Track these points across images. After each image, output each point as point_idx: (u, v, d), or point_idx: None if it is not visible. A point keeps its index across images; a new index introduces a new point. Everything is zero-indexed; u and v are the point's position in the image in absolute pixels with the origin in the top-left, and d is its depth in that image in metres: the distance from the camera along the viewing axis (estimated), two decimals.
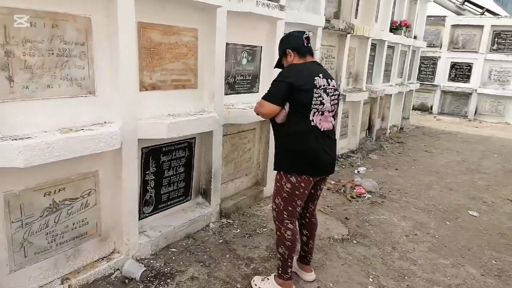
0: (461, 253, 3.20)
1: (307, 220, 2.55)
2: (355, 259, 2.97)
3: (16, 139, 1.86)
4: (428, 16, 10.15)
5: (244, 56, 3.58)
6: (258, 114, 2.38)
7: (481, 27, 11.18)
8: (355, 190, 4.37)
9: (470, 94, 11.42)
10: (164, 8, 2.64)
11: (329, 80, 2.27)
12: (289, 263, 2.37)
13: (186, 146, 3.10)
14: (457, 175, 5.52)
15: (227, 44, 3.19)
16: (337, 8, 5.43)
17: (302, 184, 2.25)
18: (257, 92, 3.80)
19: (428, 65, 12.03)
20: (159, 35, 2.66)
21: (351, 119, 6.33)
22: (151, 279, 2.51)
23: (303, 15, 4.14)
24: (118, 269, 2.53)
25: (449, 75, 11.77)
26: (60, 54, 2.07)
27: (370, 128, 7.19)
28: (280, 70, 2.36)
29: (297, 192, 2.26)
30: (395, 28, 7.22)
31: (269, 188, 3.90)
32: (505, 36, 10.99)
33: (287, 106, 2.21)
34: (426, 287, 2.68)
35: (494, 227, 3.77)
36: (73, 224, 2.34)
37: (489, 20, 11.31)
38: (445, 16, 11.88)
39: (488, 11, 12.53)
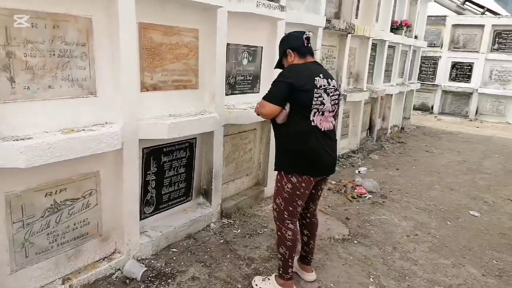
0: (462, 253, 3.20)
1: (307, 220, 2.55)
2: (356, 259, 2.97)
3: (17, 140, 1.86)
4: (429, 16, 10.14)
5: (245, 56, 3.58)
6: (258, 114, 2.38)
7: (482, 26, 11.16)
8: (356, 190, 4.37)
9: (471, 94, 11.41)
10: (164, 9, 2.65)
11: (329, 80, 2.27)
12: (290, 263, 2.37)
13: (187, 146, 3.11)
14: (458, 175, 5.51)
15: (228, 44, 3.19)
16: (338, 8, 5.43)
17: (303, 184, 2.25)
18: (258, 92, 3.81)
19: (429, 65, 12.02)
20: (160, 36, 2.67)
21: (352, 119, 6.33)
22: (152, 279, 2.51)
23: (303, 15, 4.14)
24: (119, 269, 2.54)
25: (450, 75, 11.76)
26: (61, 55, 2.08)
27: (370, 128, 7.19)
28: (280, 70, 2.36)
29: (297, 192, 2.26)
30: (395, 28, 7.22)
31: (270, 188, 3.90)
32: (506, 35, 10.98)
33: (287, 107, 2.22)
34: (427, 287, 2.68)
35: (495, 227, 3.77)
36: (74, 225, 2.34)
37: (490, 19, 11.30)
38: (445, 16, 11.88)
39: (489, 10, 12.51)
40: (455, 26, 11.58)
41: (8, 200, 1.98)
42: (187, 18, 2.83)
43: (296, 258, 2.63)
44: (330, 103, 2.25)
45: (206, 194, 3.36)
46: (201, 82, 3.07)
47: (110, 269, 2.51)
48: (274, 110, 2.22)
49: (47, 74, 2.03)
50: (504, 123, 10.94)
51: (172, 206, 3.13)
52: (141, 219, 2.79)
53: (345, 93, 5.42)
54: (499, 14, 12.25)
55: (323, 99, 2.20)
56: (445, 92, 11.86)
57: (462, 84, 11.54)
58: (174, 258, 2.78)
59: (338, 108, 2.38)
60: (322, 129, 2.24)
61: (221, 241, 3.08)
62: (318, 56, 4.75)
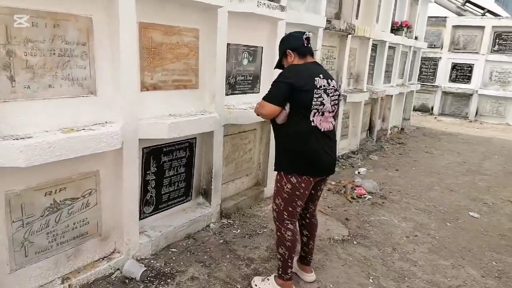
0: (461, 254, 3.20)
1: (307, 220, 2.55)
2: (356, 260, 2.97)
3: (17, 139, 1.86)
4: (429, 17, 10.14)
5: (245, 56, 3.58)
6: (258, 114, 2.38)
7: (482, 28, 11.17)
8: (355, 191, 4.36)
9: (471, 95, 11.42)
10: (165, 8, 2.65)
11: (329, 80, 2.27)
12: (289, 264, 2.37)
13: (187, 146, 3.11)
14: (458, 176, 5.51)
15: (228, 44, 3.19)
16: (338, 9, 5.43)
17: (303, 185, 2.25)
18: (258, 92, 3.81)
19: (429, 66, 12.02)
20: (160, 35, 2.67)
21: (352, 120, 6.33)
22: (151, 279, 2.51)
23: (304, 16, 4.14)
24: (118, 269, 2.54)
25: (450, 76, 11.77)
26: (61, 54, 2.08)
27: (370, 129, 7.19)
28: (280, 70, 2.36)
29: (297, 192, 2.26)
30: (396, 29, 7.23)
31: (270, 188, 3.90)
32: (506, 37, 10.99)
33: (287, 107, 2.21)
34: None
35: (494, 229, 3.77)
36: (74, 224, 2.34)
37: (490, 21, 11.30)
38: (446, 17, 11.88)
39: (489, 12, 12.52)
40: (456, 27, 11.59)
41: (8, 199, 1.98)
42: (187, 18, 2.83)
43: (295, 258, 2.63)
44: (330, 103, 2.25)
45: (206, 194, 3.36)
46: (201, 82, 3.07)
47: (110, 268, 2.50)
48: (274, 111, 2.22)
49: (47, 73, 2.03)
50: (504, 125, 10.95)
51: (171, 206, 3.13)
52: (140, 218, 2.79)
53: (345, 94, 5.42)
54: (499, 16, 12.26)
55: (323, 99, 2.20)
56: (445, 93, 11.86)
57: (462, 85, 11.54)
58: (174, 258, 2.78)
59: (338, 108, 2.38)
60: (322, 130, 2.24)
61: (221, 241, 3.08)
62: (318, 57, 4.75)
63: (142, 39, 2.54)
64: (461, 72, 11.60)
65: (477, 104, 11.42)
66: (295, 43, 2.32)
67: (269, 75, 3.68)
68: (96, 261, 2.50)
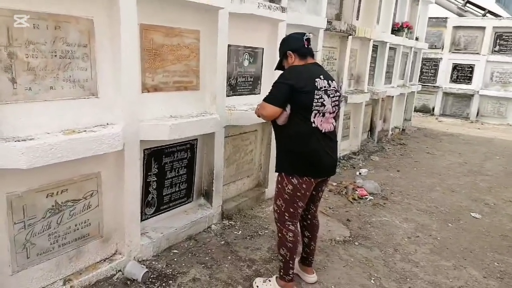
0: (463, 255, 3.19)
1: (308, 221, 2.55)
2: (357, 261, 2.96)
3: (19, 141, 1.87)
4: (430, 18, 10.14)
5: (246, 57, 3.58)
6: (259, 116, 2.38)
7: (482, 28, 11.16)
8: (356, 192, 4.36)
9: (472, 95, 11.41)
10: (166, 10, 2.65)
11: (329, 81, 2.27)
12: (290, 265, 2.37)
13: (188, 147, 3.11)
14: (459, 177, 5.51)
15: (229, 45, 3.20)
16: (339, 10, 5.43)
17: (304, 186, 2.25)
18: (259, 93, 3.81)
19: (430, 66, 12.02)
20: (161, 37, 2.67)
21: (353, 121, 6.32)
22: (153, 280, 2.51)
23: (304, 17, 4.14)
24: (120, 271, 2.54)
25: (451, 77, 11.76)
26: (62, 56, 2.08)
27: (371, 129, 7.19)
28: (281, 71, 2.37)
29: (298, 193, 2.26)
30: (396, 29, 7.22)
31: (271, 189, 3.90)
32: (507, 37, 10.97)
33: (288, 108, 2.22)
34: None
35: (496, 229, 3.76)
36: (76, 226, 2.34)
37: (491, 21, 11.29)
38: (446, 18, 11.87)
39: (490, 12, 12.51)
40: (456, 28, 11.58)
41: (9, 201, 1.98)
42: (188, 20, 2.84)
43: (297, 259, 2.63)
44: (331, 104, 2.25)
45: (207, 195, 3.36)
46: (202, 83, 3.08)
47: (111, 270, 2.51)
48: (275, 112, 2.22)
49: (48, 75, 2.04)
50: (505, 125, 10.93)
51: (173, 207, 3.13)
52: (142, 220, 2.79)
53: (346, 95, 5.42)
54: (500, 16, 12.25)
55: (324, 100, 2.20)
56: (446, 93, 11.85)
57: (463, 86, 11.53)
58: (175, 259, 2.78)
59: (338, 109, 2.38)
60: (323, 131, 2.24)
61: (222, 242, 3.08)
62: (319, 58, 4.75)
63: (143, 41, 2.54)
64: (462, 73, 11.59)
65: (478, 105, 11.41)
66: (296, 44, 2.33)
67: (270, 76, 3.69)
68: (98, 262, 2.50)
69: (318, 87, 2.19)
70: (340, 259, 2.96)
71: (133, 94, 2.41)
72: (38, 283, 2.19)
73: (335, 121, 2.36)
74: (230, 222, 3.42)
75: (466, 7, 12.69)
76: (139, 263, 2.61)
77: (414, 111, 10.32)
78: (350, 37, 5.37)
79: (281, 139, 2.33)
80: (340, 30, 4.95)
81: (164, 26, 2.67)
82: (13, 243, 2.05)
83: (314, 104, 2.17)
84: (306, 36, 2.32)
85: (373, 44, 6.24)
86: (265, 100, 2.24)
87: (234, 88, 3.53)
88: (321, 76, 2.23)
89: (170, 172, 3.00)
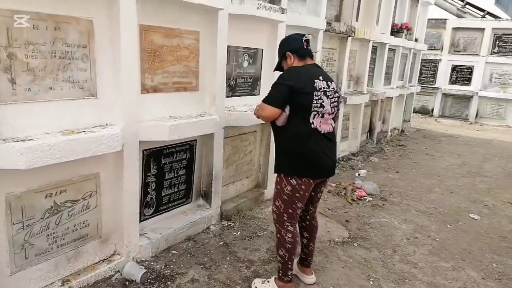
0: (462, 256, 3.19)
1: (307, 222, 2.55)
2: (356, 262, 2.96)
3: (18, 141, 1.86)
4: (429, 19, 10.16)
5: (245, 58, 3.59)
6: (258, 117, 2.38)
7: (482, 30, 11.19)
8: (355, 193, 4.36)
9: (471, 97, 11.43)
10: (165, 11, 2.65)
11: (329, 82, 2.27)
12: (289, 266, 2.37)
13: (187, 148, 3.11)
14: (458, 178, 5.51)
15: (228, 46, 3.20)
16: (338, 11, 5.44)
17: (303, 187, 2.25)
18: (258, 94, 3.81)
19: (429, 68, 12.04)
20: (161, 38, 2.67)
21: (352, 122, 6.33)
22: (152, 281, 2.51)
23: (304, 18, 4.15)
24: (118, 271, 2.53)
25: (450, 78, 11.78)
26: (62, 57, 2.08)
27: (371, 130, 7.19)
28: (280, 72, 2.37)
29: (297, 194, 2.26)
30: (396, 31, 7.23)
31: (270, 190, 3.90)
32: (506, 39, 11.00)
33: (287, 109, 2.22)
34: None
35: (495, 230, 3.77)
36: (74, 226, 2.34)
37: (490, 23, 11.32)
38: (446, 19, 11.90)
39: (489, 14, 12.54)
40: (456, 29, 11.61)
41: (8, 201, 1.98)
42: (188, 20, 2.84)
43: (295, 260, 2.63)
44: (330, 105, 2.25)
45: (206, 196, 3.36)
46: (201, 84, 3.08)
47: (110, 271, 2.50)
48: (274, 113, 2.22)
49: (48, 75, 2.04)
50: (504, 126, 10.95)
51: (172, 208, 3.13)
52: (141, 221, 2.79)
53: (345, 96, 5.43)
54: (499, 18, 12.28)
55: (323, 101, 2.21)
56: (445, 95, 11.88)
57: (462, 87, 11.56)
58: (174, 260, 2.78)
59: (338, 110, 2.38)
60: (322, 132, 2.24)
61: (221, 243, 3.08)
62: (318, 59, 4.76)
63: (142, 42, 2.54)
64: (461, 74, 11.62)
65: (477, 106, 11.43)
66: (295, 45, 2.33)
67: (269, 77, 3.69)
68: (96, 263, 2.50)
69: (317, 88, 2.19)
70: (339, 260, 2.97)
71: (132, 94, 2.41)
72: (36, 283, 2.19)
73: (334, 122, 2.36)
74: (229, 223, 3.42)
75: (465, 8, 12.72)
76: (137, 264, 2.61)
77: (413, 112, 10.34)
78: (349, 38, 5.38)
79: (280, 140, 2.33)
80: (340, 31, 4.96)
81: (163, 27, 2.67)
82: (12, 243, 2.04)
83: (313, 105, 2.18)
84: (305, 37, 2.32)
85: (373, 45, 6.25)
86: (264, 101, 2.24)
87: (233, 89, 3.54)
88: (320, 77, 2.24)
89: (169, 172, 3.00)
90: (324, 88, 2.22)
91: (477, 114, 11.48)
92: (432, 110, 12.08)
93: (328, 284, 2.64)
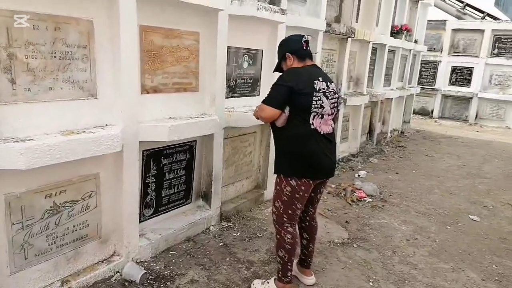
0: (461, 258, 3.19)
1: (307, 223, 2.55)
2: (356, 263, 2.96)
3: (18, 141, 1.86)
4: (429, 21, 10.18)
5: (245, 59, 3.59)
6: (258, 118, 2.38)
7: (481, 31, 11.21)
8: (355, 194, 4.36)
9: (471, 98, 11.44)
10: (165, 12, 2.66)
11: (328, 83, 2.28)
12: (289, 267, 2.37)
13: (187, 149, 3.11)
14: (458, 180, 5.51)
15: (228, 47, 3.20)
16: (338, 12, 5.45)
17: (302, 188, 2.25)
18: (258, 95, 3.82)
19: (429, 69, 12.05)
20: (161, 38, 2.67)
21: (352, 123, 6.33)
22: (151, 281, 2.51)
23: (304, 19, 4.15)
24: (118, 272, 2.53)
25: (450, 79, 11.80)
26: (62, 57, 2.08)
27: (370, 132, 7.20)
28: (279, 73, 2.37)
29: (297, 195, 2.26)
30: (395, 32, 7.25)
31: (270, 191, 3.89)
32: (505, 40, 11.02)
33: (287, 110, 2.22)
34: None
35: (494, 232, 3.77)
36: (74, 226, 2.34)
37: (490, 24, 11.34)
38: (445, 21, 11.92)
39: (489, 15, 12.56)
40: (455, 30, 11.63)
41: (8, 202, 1.98)
42: (188, 21, 2.84)
43: (295, 261, 2.62)
44: (330, 106, 2.26)
45: (206, 197, 3.36)
46: (201, 85, 3.08)
47: (109, 271, 2.50)
48: (274, 114, 2.22)
49: (48, 76, 2.04)
50: (504, 128, 10.96)
51: (171, 209, 3.13)
52: (140, 221, 2.79)
53: (345, 97, 5.44)
54: (499, 19, 12.30)
55: (323, 102, 2.21)
56: (445, 96, 11.89)
57: (462, 89, 11.57)
58: (173, 261, 2.78)
59: (337, 111, 2.38)
60: (322, 132, 2.24)
61: (221, 244, 3.07)
62: (318, 60, 4.76)
63: (142, 42, 2.54)
64: (461, 76, 11.63)
65: (477, 107, 11.45)
66: (294, 46, 2.33)
67: (269, 78, 3.69)
68: (96, 263, 2.50)
69: (317, 89, 2.19)
70: (338, 261, 2.96)
71: (132, 95, 2.41)
72: (36, 284, 2.19)
73: (334, 123, 2.36)
74: (228, 224, 3.42)
75: (465, 10, 12.74)
76: (137, 265, 2.61)
77: (413, 113, 10.34)
78: (349, 39, 5.39)
79: (280, 141, 2.33)
80: (340, 32, 4.97)
81: (163, 27, 2.68)
82: (11, 244, 2.04)
83: (313, 106, 2.18)
84: (305, 38, 2.33)
85: (372, 47, 6.26)
86: (264, 102, 2.25)
87: (233, 89, 3.54)
88: (320, 78, 2.24)
89: (169, 173, 3.00)
90: (323, 89, 2.22)
91: (476, 116, 11.49)
92: (432, 111, 12.09)
93: (327, 285, 2.64)
